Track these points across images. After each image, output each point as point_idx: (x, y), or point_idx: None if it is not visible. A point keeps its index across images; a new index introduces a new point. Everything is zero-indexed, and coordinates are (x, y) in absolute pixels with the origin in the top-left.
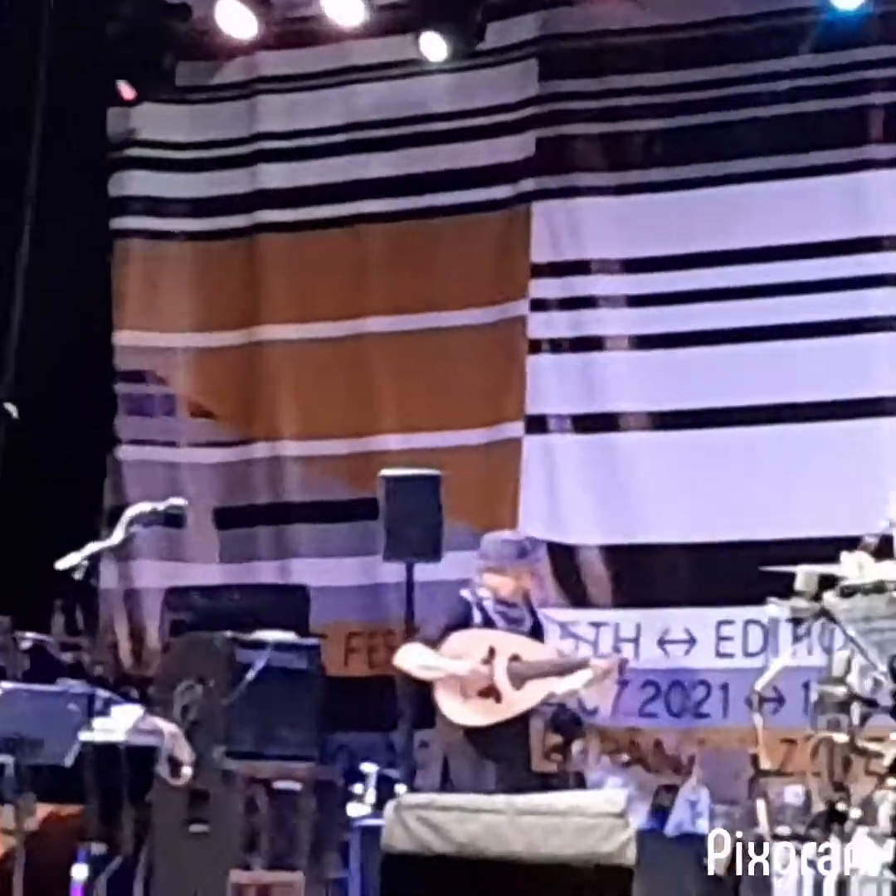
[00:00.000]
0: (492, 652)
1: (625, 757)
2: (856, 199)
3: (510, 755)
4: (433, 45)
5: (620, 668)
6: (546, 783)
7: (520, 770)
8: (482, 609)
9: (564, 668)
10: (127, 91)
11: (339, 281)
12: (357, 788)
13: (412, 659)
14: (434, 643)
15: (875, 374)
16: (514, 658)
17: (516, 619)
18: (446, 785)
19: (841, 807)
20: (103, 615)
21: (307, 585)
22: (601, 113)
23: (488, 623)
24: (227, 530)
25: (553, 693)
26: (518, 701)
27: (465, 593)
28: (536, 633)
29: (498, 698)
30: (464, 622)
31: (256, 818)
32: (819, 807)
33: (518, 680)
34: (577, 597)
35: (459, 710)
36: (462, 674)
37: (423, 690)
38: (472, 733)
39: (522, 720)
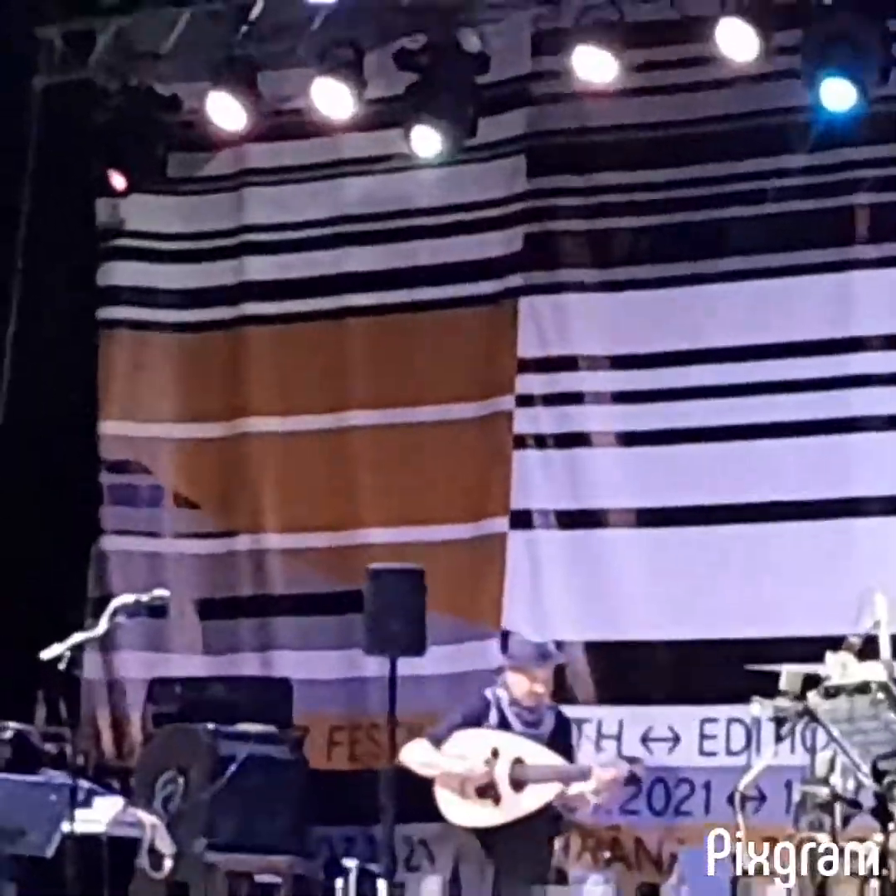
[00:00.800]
0: (495, 753)
1: (606, 854)
2: (841, 299)
3: (520, 858)
4: (425, 140)
5: (630, 779)
6: None
7: (531, 874)
8: (499, 709)
9: (567, 776)
10: (119, 181)
11: (323, 374)
12: (338, 883)
13: (415, 756)
14: (441, 740)
15: (857, 474)
16: (518, 761)
17: (532, 723)
18: (455, 887)
19: None
20: (86, 706)
21: (290, 678)
22: (588, 209)
23: (504, 722)
24: (210, 621)
25: (563, 794)
26: (518, 804)
27: (488, 692)
28: (560, 735)
29: (497, 800)
30: (477, 721)
31: None
32: None
33: (519, 784)
34: (560, 693)
35: (457, 810)
36: (460, 772)
37: (412, 785)
38: (482, 835)
39: (529, 824)
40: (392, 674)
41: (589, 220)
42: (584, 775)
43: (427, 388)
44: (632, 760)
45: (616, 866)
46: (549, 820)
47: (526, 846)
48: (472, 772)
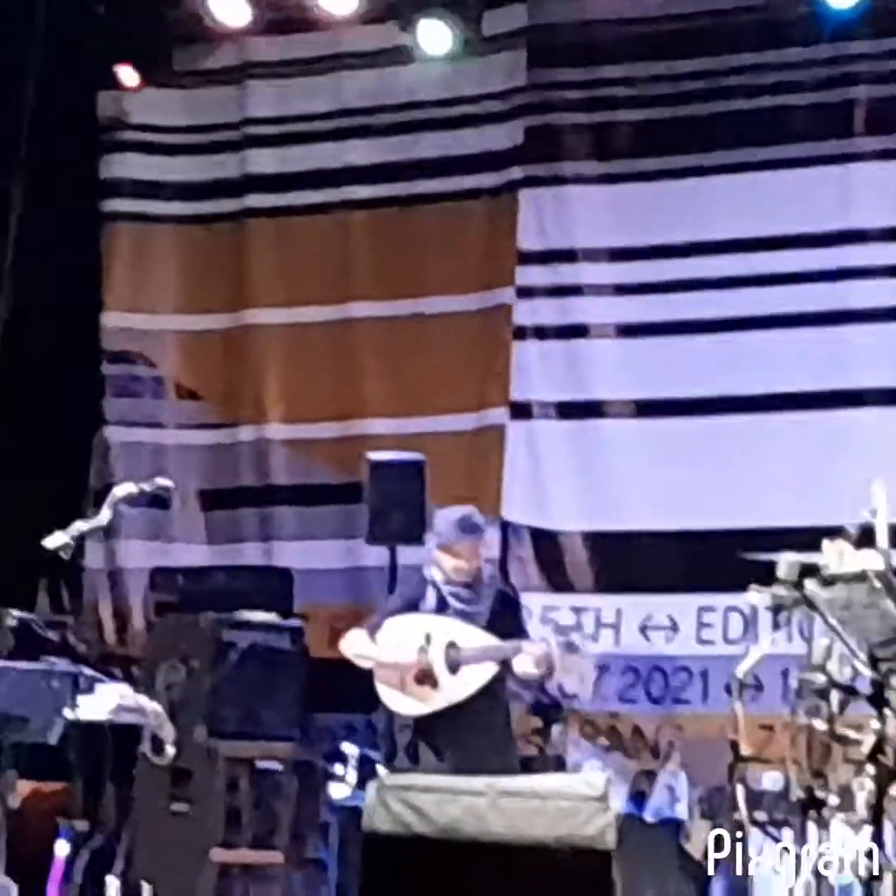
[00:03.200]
0: (428, 638)
1: (604, 742)
2: (841, 191)
3: (471, 740)
4: (432, 35)
5: (567, 646)
6: (526, 765)
7: (488, 755)
8: (436, 588)
9: (499, 654)
10: (129, 77)
11: (325, 266)
12: (338, 769)
13: (351, 648)
14: (378, 628)
15: (856, 366)
16: (451, 644)
17: (468, 600)
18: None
19: (819, 794)
20: (88, 594)
21: (291, 567)
22: (589, 102)
23: (442, 602)
24: (213, 512)
25: (507, 673)
26: (455, 687)
27: (426, 571)
28: (501, 612)
29: (435, 685)
30: (416, 603)
31: (238, 797)
32: (797, 793)
33: (454, 667)
34: (559, 582)
35: (398, 700)
36: (394, 662)
37: None
38: (425, 722)
39: (474, 706)
40: (392, 563)
41: (589, 113)
42: (517, 651)
43: (428, 279)
44: (562, 632)
45: (614, 754)
46: (498, 701)
47: (476, 731)
48: (406, 661)
